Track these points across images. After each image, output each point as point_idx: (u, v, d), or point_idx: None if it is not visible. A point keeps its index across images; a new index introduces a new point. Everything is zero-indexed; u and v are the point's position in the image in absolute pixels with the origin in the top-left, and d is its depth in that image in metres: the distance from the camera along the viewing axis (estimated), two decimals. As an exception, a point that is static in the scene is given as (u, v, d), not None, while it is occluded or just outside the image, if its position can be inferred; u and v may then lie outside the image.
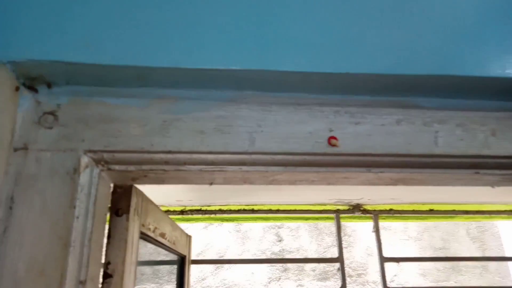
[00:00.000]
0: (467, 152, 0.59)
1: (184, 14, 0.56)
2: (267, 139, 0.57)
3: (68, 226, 0.49)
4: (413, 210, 1.55)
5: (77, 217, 0.50)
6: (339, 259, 1.49)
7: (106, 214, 0.58)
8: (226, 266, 4.51)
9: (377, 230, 1.54)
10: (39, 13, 0.54)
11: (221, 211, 1.47)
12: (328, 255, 4.90)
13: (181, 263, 1.25)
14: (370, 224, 1.65)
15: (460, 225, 5.31)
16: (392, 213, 1.55)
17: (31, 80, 0.54)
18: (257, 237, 4.82)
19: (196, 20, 0.56)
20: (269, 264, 4.61)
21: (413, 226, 5.27)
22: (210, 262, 1.54)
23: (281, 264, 4.64)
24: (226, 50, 0.55)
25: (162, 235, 0.91)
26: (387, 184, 0.66)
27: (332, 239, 4.93)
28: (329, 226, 4.85)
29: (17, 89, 0.53)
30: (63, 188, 0.50)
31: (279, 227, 4.88)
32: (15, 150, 0.52)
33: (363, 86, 0.59)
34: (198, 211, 1.45)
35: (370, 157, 0.58)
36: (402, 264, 4.99)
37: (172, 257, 1.19)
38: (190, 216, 1.45)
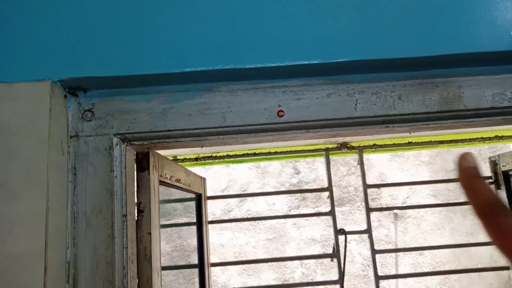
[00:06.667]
0: (378, 113, 0.83)
1: (170, 22, 0.79)
2: (235, 116, 0.82)
3: (111, 182, 0.78)
4: (393, 144, 1.79)
5: (116, 177, 0.79)
6: (329, 188, 1.79)
7: (133, 172, 0.88)
8: (249, 198, 4.99)
9: (361, 163, 1.81)
10: (75, 42, 0.79)
11: (228, 156, 1.77)
12: (344, 184, 5.27)
13: (199, 200, 1.58)
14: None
15: (472, 148, 5.44)
16: (375, 147, 1.81)
17: (73, 89, 0.81)
18: (276, 171, 5.21)
19: (180, 28, 0.79)
20: (288, 195, 5.04)
21: (425, 151, 5.49)
22: (222, 197, 1.88)
23: (299, 194, 5.06)
24: (205, 54, 0.80)
25: (178, 180, 1.22)
26: (325, 138, 0.91)
27: (346, 169, 5.25)
28: (343, 157, 5.15)
29: (65, 97, 0.81)
30: (104, 159, 0.79)
31: (295, 161, 5.22)
32: (71, 137, 0.80)
33: (302, 72, 0.83)
34: (209, 157, 1.76)
35: (307, 122, 0.83)
36: (413, 187, 5.30)
37: (191, 195, 1.52)
38: (203, 161, 1.76)
